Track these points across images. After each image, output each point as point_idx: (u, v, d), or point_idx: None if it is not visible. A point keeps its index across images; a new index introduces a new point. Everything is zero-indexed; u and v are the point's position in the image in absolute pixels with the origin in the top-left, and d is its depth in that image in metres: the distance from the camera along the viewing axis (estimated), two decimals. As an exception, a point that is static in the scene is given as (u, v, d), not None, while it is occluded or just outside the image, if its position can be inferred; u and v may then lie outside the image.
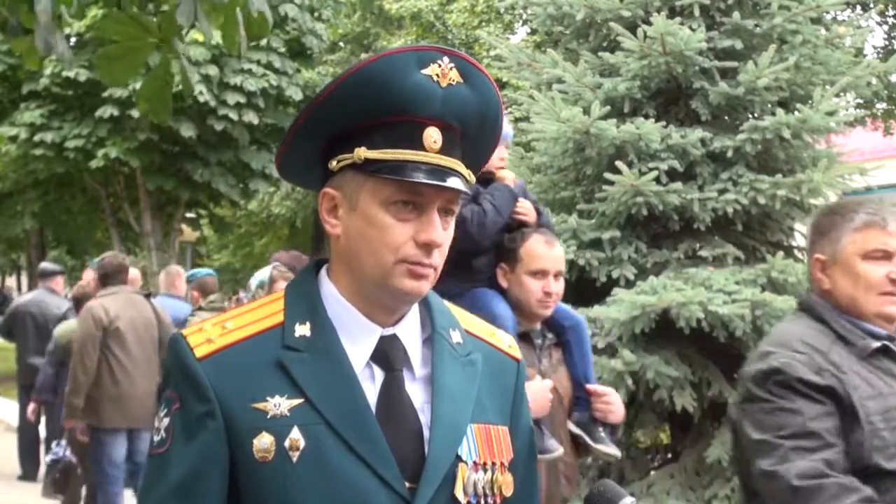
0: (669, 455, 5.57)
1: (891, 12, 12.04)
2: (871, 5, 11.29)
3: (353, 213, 1.39)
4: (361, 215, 1.38)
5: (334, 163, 1.40)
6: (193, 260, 22.91)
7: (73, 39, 14.10)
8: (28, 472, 8.71)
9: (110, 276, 6.09)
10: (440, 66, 1.36)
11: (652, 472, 5.35)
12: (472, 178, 1.43)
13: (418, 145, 1.36)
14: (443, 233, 1.39)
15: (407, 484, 1.35)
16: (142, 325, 5.99)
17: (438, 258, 1.39)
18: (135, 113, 14.37)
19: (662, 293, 4.79)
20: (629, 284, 5.13)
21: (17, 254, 30.35)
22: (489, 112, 1.43)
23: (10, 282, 36.93)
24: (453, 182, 1.37)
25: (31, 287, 19.35)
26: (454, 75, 1.37)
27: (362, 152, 1.36)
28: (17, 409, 9.14)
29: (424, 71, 1.35)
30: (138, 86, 12.58)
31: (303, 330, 1.39)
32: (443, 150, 1.37)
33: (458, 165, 1.39)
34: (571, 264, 5.24)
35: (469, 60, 1.40)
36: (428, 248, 1.37)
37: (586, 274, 5.30)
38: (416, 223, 1.37)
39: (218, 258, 30.94)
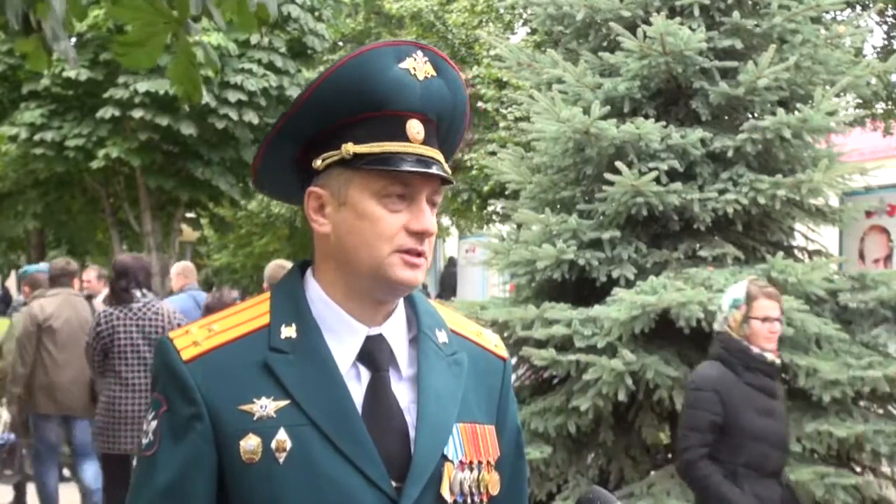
0: (669, 455, 5.57)
1: (890, 12, 12.02)
2: (871, 5, 11.28)
3: (343, 209, 1.40)
4: (352, 209, 1.39)
5: (319, 161, 1.41)
6: (194, 260, 22.92)
7: (73, 39, 14.09)
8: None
9: (55, 280, 6.81)
10: (415, 59, 1.39)
11: (652, 472, 5.35)
12: (448, 169, 1.45)
13: (403, 137, 1.38)
14: (433, 221, 1.41)
15: (393, 483, 1.35)
16: (76, 324, 6.58)
17: (428, 247, 1.41)
18: (135, 113, 14.37)
19: (662, 293, 4.79)
20: (629, 284, 5.13)
21: (17, 254, 30.35)
22: (458, 104, 1.46)
23: (10, 282, 36.94)
24: (440, 170, 1.39)
25: (32, 287, 19.29)
26: (429, 69, 1.40)
27: (350, 147, 1.37)
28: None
29: (402, 65, 1.38)
30: (139, 86, 12.71)
31: (289, 331, 1.39)
32: (425, 142, 1.40)
33: (439, 156, 1.42)
34: (571, 264, 5.25)
35: (439, 54, 1.42)
36: (421, 236, 1.39)
37: (586, 274, 5.30)
38: (407, 213, 1.38)
39: (218, 258, 30.93)
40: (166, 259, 16.66)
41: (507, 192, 6.21)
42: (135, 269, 5.91)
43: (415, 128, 1.39)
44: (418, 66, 1.39)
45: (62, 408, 6.62)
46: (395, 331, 1.45)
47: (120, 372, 5.79)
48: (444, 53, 1.44)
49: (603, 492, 1.43)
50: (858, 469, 5.21)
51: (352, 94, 1.37)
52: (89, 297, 6.92)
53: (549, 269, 5.26)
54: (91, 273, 8.83)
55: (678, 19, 5.42)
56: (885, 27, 12.47)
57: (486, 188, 13.98)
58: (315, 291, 1.44)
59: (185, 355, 1.37)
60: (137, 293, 5.83)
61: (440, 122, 1.44)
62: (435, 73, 1.41)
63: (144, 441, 1.38)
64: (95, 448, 6.62)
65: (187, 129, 14.82)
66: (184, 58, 3.03)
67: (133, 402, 5.79)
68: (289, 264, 6.98)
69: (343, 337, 1.41)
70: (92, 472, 6.77)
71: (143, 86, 14.14)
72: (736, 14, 5.41)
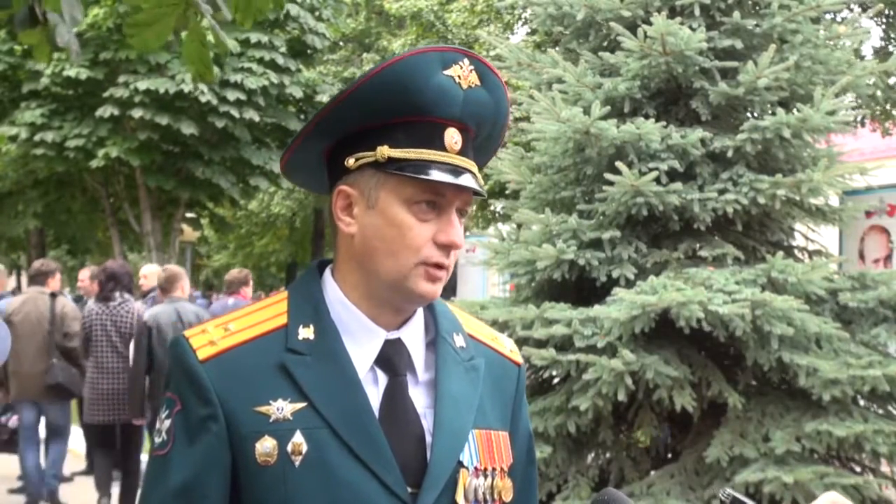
0: (669, 455, 5.57)
1: (887, 13, 12.02)
2: (869, 5, 11.27)
3: (372, 212, 1.38)
4: (381, 214, 1.37)
5: (352, 160, 1.39)
6: (193, 260, 22.92)
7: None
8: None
9: (32, 279, 7.98)
10: (461, 67, 1.37)
11: (652, 472, 5.35)
12: (481, 179, 1.44)
13: (440, 146, 1.37)
14: (462, 234, 1.40)
15: (409, 489, 1.35)
16: (35, 319, 7.61)
17: (453, 259, 1.40)
18: (135, 112, 14.37)
19: (662, 293, 4.79)
20: (629, 284, 5.13)
21: (17, 254, 30.32)
22: (500, 114, 1.45)
23: (10, 281, 36.92)
24: (474, 183, 1.38)
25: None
26: (473, 78, 1.38)
27: (385, 151, 1.36)
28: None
29: (447, 72, 1.36)
30: (140, 85, 12.81)
31: (306, 333, 1.38)
32: (461, 152, 1.38)
33: (473, 167, 1.41)
34: (571, 264, 5.25)
35: (485, 63, 1.40)
36: (448, 249, 1.38)
37: (586, 274, 5.31)
38: (436, 223, 1.37)
39: (218, 258, 30.91)
40: (166, 259, 16.66)
41: (507, 192, 6.21)
42: (120, 274, 7.38)
43: (453, 137, 1.37)
44: (463, 75, 1.37)
45: (16, 393, 7.73)
46: (413, 335, 1.44)
47: (97, 357, 7.13)
48: (489, 62, 1.41)
49: (617, 493, 1.42)
50: (858, 469, 5.21)
51: (393, 96, 1.35)
52: (53, 295, 7.77)
53: (549, 269, 5.26)
54: (85, 273, 9.68)
55: (678, 19, 5.42)
56: (882, 28, 12.47)
57: (485, 188, 14.00)
58: (334, 293, 1.42)
59: (202, 355, 1.35)
60: (117, 294, 7.28)
61: (478, 132, 1.43)
62: (479, 83, 1.39)
63: (157, 440, 1.37)
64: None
65: (187, 129, 14.82)
66: (195, 38, 3.07)
67: (106, 382, 7.08)
68: (176, 269, 7.48)
69: (361, 340, 1.40)
70: (53, 454, 7.80)
71: (142, 84, 14.15)
72: (736, 14, 5.41)
